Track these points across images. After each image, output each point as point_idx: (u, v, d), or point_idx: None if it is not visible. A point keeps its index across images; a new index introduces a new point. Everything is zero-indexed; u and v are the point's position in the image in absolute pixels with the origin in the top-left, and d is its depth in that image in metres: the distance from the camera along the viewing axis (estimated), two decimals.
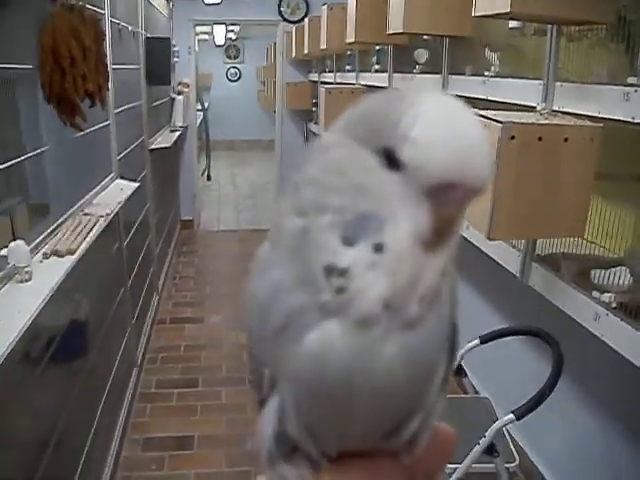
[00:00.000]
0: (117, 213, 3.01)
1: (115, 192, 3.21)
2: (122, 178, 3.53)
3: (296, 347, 0.32)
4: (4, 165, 1.93)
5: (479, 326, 2.76)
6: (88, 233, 2.42)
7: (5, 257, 1.84)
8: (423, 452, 0.36)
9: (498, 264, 2.31)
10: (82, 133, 2.59)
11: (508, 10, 1.69)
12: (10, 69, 2.05)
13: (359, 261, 0.31)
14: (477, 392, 3.00)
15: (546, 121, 1.83)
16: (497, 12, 1.77)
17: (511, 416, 1.95)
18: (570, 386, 2.43)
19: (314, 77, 6.34)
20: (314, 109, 6.49)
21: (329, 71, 5.78)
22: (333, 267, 0.31)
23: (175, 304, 5.12)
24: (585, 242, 1.94)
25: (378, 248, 0.31)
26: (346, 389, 0.32)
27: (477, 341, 2.40)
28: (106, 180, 3.28)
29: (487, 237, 1.90)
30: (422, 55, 3.10)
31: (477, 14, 1.93)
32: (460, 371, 2.55)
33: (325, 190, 0.32)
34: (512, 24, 2.17)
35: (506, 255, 2.23)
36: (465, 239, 2.49)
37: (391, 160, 0.31)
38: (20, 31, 2.10)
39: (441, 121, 0.30)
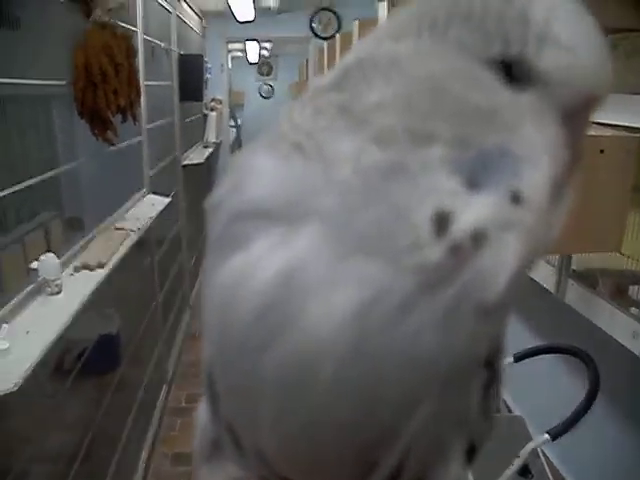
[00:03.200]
0: (148, 228, 3.03)
1: (147, 207, 3.23)
2: (154, 193, 3.56)
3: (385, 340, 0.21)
4: (38, 179, 1.96)
5: (512, 344, 2.71)
6: (119, 247, 2.43)
7: (36, 270, 1.86)
8: None
9: (532, 280, 2.26)
10: (114, 148, 2.62)
11: None
12: (45, 85, 2.08)
13: (494, 215, 0.22)
14: (510, 411, 2.94)
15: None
16: None
17: (546, 436, 1.90)
18: (605, 404, 2.36)
19: None
20: None
21: None
22: (448, 216, 0.22)
23: None
24: (622, 257, 1.89)
25: (515, 198, 0.22)
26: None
27: (511, 359, 2.34)
28: (138, 195, 3.30)
29: None
30: None
31: None
32: None
33: (425, 114, 0.23)
34: None
35: (541, 271, 2.18)
36: None
37: (518, 73, 0.23)
38: (54, 47, 2.14)
39: (582, 17, 0.23)
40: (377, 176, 0.22)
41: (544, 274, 2.16)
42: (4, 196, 1.72)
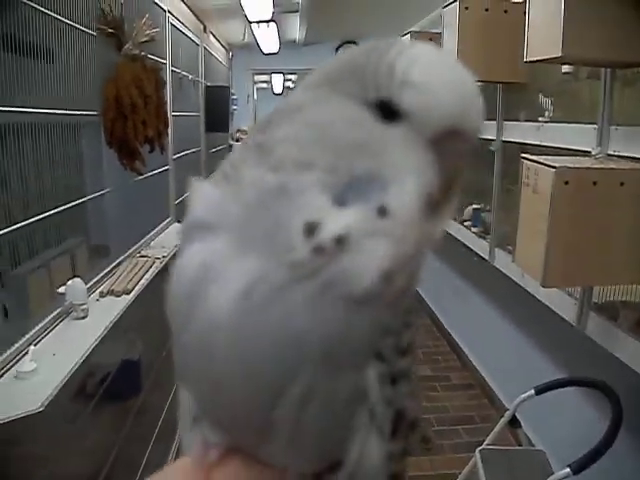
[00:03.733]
0: (173, 256, 3.07)
1: (172, 236, 3.28)
2: (179, 222, 3.61)
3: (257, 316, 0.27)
4: (66, 206, 2.01)
5: (534, 376, 2.69)
6: (144, 274, 2.48)
7: (63, 294, 1.90)
8: None
9: (553, 312, 2.25)
10: (142, 177, 2.68)
11: (560, 54, 1.68)
12: (76, 115, 2.14)
13: (358, 224, 0.27)
14: (532, 444, 2.90)
15: (601, 165, 1.80)
16: (549, 57, 1.77)
17: (567, 470, 1.88)
18: (628, 437, 2.33)
19: None
20: None
21: None
22: (315, 225, 0.27)
23: None
24: None
25: (382, 211, 0.27)
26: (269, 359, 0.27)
27: (532, 392, 2.33)
28: (163, 224, 3.36)
29: (542, 284, 1.86)
30: None
31: (529, 59, 1.92)
32: (514, 422, 2.48)
33: (310, 148, 0.28)
34: (565, 68, 2.16)
35: (561, 303, 2.18)
36: (519, 286, 2.45)
37: (388, 112, 0.28)
38: (86, 79, 2.21)
39: (439, 64, 0.28)
40: (269, 195, 0.28)
41: (565, 306, 2.15)
42: (32, 222, 1.77)
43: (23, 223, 1.73)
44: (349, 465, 0.29)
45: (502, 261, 2.75)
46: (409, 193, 0.27)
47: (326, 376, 0.27)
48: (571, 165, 1.74)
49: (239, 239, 0.28)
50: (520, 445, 2.65)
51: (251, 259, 0.27)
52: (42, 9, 1.84)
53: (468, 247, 3.21)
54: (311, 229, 0.27)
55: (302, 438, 0.28)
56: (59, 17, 1.96)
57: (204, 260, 0.29)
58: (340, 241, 0.26)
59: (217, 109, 4.89)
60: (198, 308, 0.28)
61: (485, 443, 2.56)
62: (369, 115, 0.28)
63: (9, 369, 1.60)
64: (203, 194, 0.31)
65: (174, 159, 3.56)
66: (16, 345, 1.68)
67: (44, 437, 1.84)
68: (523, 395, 2.33)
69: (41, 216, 1.83)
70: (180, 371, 0.31)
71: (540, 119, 2.34)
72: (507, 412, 2.46)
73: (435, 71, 0.27)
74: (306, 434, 0.28)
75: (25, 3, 1.74)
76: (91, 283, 2.18)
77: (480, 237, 3.05)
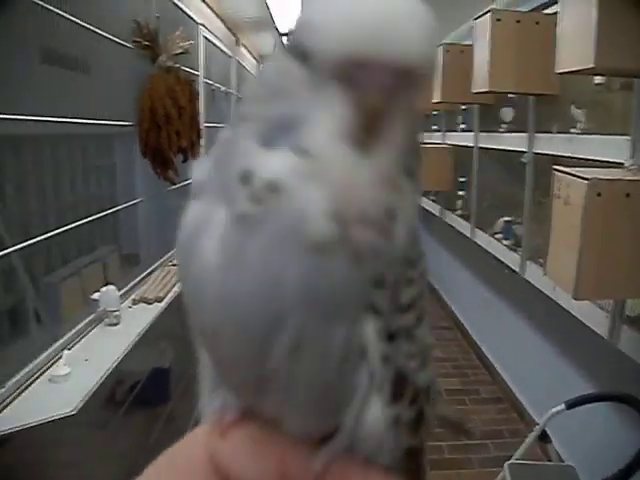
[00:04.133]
0: None
1: None
2: None
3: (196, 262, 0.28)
4: (99, 215, 2.05)
5: (564, 390, 2.66)
6: (176, 283, 2.51)
7: (97, 301, 1.94)
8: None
9: (585, 325, 2.23)
10: (174, 187, 2.72)
11: (592, 65, 1.67)
12: (112, 125, 2.19)
13: (285, 169, 0.26)
14: (562, 460, 2.86)
15: (634, 177, 1.79)
16: (581, 68, 1.76)
17: None
18: None
19: None
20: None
21: None
22: (249, 173, 0.27)
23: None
24: None
25: (301, 151, 0.26)
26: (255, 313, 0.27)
27: (563, 406, 2.30)
28: None
29: (573, 297, 1.85)
30: (508, 114, 3.09)
31: (560, 70, 1.92)
32: (544, 437, 2.45)
33: (250, 101, 0.30)
34: (597, 79, 2.15)
35: (593, 316, 2.15)
36: (551, 299, 2.43)
37: (301, 55, 0.27)
38: (122, 90, 2.25)
39: (332, 5, 0.27)
40: (225, 148, 0.30)
41: (597, 319, 2.13)
42: (66, 230, 1.81)
43: (57, 231, 1.77)
44: (347, 426, 0.28)
45: (533, 274, 2.73)
46: (322, 130, 0.26)
47: (315, 326, 0.26)
48: (603, 177, 1.73)
49: (210, 194, 0.29)
50: (550, 460, 2.61)
51: (219, 214, 0.28)
52: (81, 22, 1.89)
53: (499, 260, 3.19)
54: (246, 177, 0.27)
55: (297, 392, 0.28)
56: (97, 30, 2.01)
57: (195, 217, 0.30)
58: (273, 188, 0.26)
59: None
60: (190, 263, 0.29)
61: (514, 458, 2.53)
62: (292, 63, 0.28)
63: (43, 373, 1.63)
64: (200, 160, 0.33)
65: None
66: (49, 350, 1.71)
67: (74, 442, 1.87)
68: (554, 409, 2.30)
69: (74, 224, 1.87)
70: (191, 327, 0.32)
71: (572, 131, 2.33)
72: (537, 426, 2.44)
73: (336, 5, 0.26)
74: (301, 388, 0.28)
75: (65, 17, 1.79)
76: (124, 291, 2.22)
77: (511, 250, 3.04)
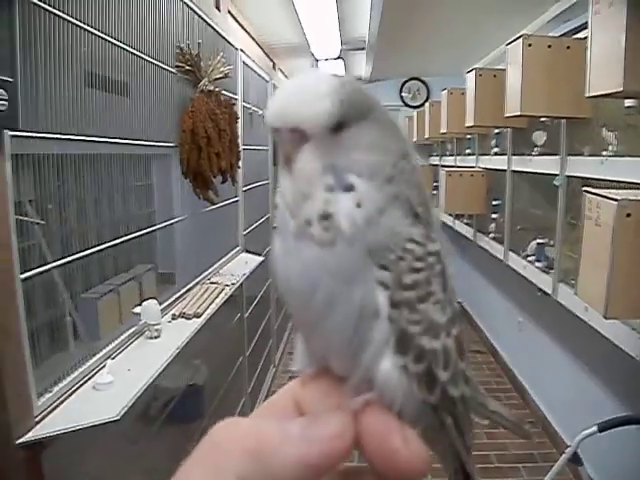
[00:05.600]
0: (241, 285, 3.17)
1: (240, 264, 3.39)
2: (247, 252, 3.73)
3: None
4: (137, 234, 2.13)
5: (597, 412, 2.65)
6: (214, 300, 2.57)
7: (139, 314, 2.01)
8: (367, 433, 0.37)
9: (617, 347, 2.23)
10: (213, 207, 2.79)
11: (621, 89, 1.71)
12: (154, 146, 2.28)
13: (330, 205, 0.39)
14: None
15: None
16: (610, 91, 1.79)
17: None
18: None
19: (435, 161, 6.45)
20: (434, 192, 6.61)
21: (449, 154, 5.87)
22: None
23: (291, 378, 5.15)
24: None
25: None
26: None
27: (595, 428, 2.30)
28: (232, 253, 3.47)
29: (604, 315, 1.87)
30: (540, 137, 3.11)
31: (591, 94, 1.95)
32: (576, 459, 2.44)
33: None
34: (628, 102, 2.17)
35: (625, 337, 2.15)
36: (582, 322, 2.43)
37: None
38: (165, 112, 2.34)
39: (284, 86, 0.40)
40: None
41: (629, 340, 2.13)
42: (104, 248, 1.88)
43: (96, 249, 1.83)
44: (362, 367, 0.38)
45: (565, 296, 2.73)
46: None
47: (340, 289, 0.37)
48: (633, 197, 1.76)
49: (281, 232, 0.41)
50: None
51: (279, 240, 0.40)
52: (127, 47, 1.99)
53: (531, 282, 3.20)
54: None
55: (332, 338, 0.39)
56: (142, 55, 2.11)
57: (275, 246, 0.41)
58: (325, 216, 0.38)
59: None
60: (276, 269, 0.41)
61: None
62: None
63: (86, 382, 1.70)
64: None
65: (244, 191, 3.69)
66: (94, 359, 1.78)
67: (109, 453, 1.92)
68: (585, 431, 2.30)
69: (112, 243, 1.93)
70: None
71: (604, 153, 2.35)
72: (568, 449, 2.43)
73: (276, 92, 0.40)
74: (334, 333, 0.39)
75: (115, 44, 1.89)
76: (163, 306, 2.28)
77: (544, 272, 3.05)
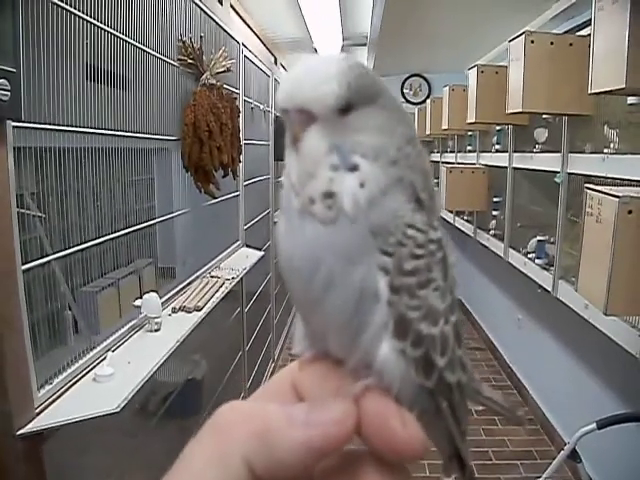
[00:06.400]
0: (240, 279, 3.17)
1: (241, 259, 3.39)
2: (247, 246, 3.73)
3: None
4: (137, 227, 2.13)
5: (595, 409, 2.66)
6: (214, 294, 2.57)
7: (139, 307, 2.01)
8: (367, 417, 0.37)
9: (616, 344, 2.23)
10: (213, 201, 2.79)
11: (623, 86, 1.71)
12: (154, 139, 2.28)
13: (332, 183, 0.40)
14: None
15: None
16: (613, 88, 1.79)
17: None
18: None
19: (436, 157, 6.44)
20: (435, 189, 6.60)
21: (450, 151, 5.86)
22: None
23: None
24: None
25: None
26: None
27: (593, 425, 2.30)
28: (232, 247, 3.47)
29: (604, 312, 1.87)
30: (542, 134, 3.11)
31: (593, 91, 1.95)
32: (574, 456, 2.44)
33: None
34: (630, 100, 2.16)
35: (625, 335, 2.15)
36: (582, 319, 2.44)
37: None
38: (167, 105, 2.34)
39: (292, 69, 0.40)
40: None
41: (628, 338, 2.13)
42: (103, 241, 1.88)
43: (96, 241, 1.84)
44: (360, 349, 0.38)
45: (565, 293, 2.74)
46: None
47: (341, 268, 0.38)
48: (634, 194, 1.76)
49: (285, 211, 0.41)
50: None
51: (283, 218, 0.41)
52: (129, 40, 1.98)
53: (532, 279, 3.20)
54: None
55: (332, 318, 0.39)
56: (144, 48, 2.11)
57: (279, 225, 0.42)
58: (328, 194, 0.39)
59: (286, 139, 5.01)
60: (280, 247, 0.41)
61: (543, 477, 2.54)
62: None
63: (86, 374, 1.70)
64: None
65: (245, 185, 3.69)
66: (92, 353, 1.78)
67: (108, 445, 1.93)
68: (584, 428, 2.30)
69: (112, 236, 1.94)
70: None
71: (605, 151, 2.35)
72: (567, 446, 2.44)
73: (285, 79, 0.40)
74: (334, 314, 0.39)
75: (117, 37, 1.89)
76: (163, 299, 2.28)
77: (544, 269, 3.05)
